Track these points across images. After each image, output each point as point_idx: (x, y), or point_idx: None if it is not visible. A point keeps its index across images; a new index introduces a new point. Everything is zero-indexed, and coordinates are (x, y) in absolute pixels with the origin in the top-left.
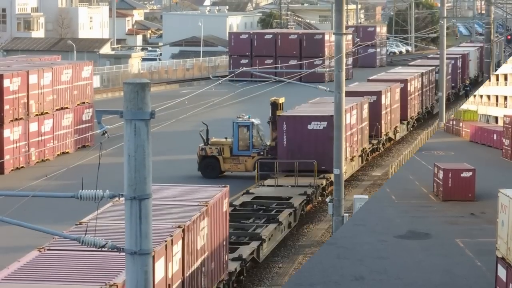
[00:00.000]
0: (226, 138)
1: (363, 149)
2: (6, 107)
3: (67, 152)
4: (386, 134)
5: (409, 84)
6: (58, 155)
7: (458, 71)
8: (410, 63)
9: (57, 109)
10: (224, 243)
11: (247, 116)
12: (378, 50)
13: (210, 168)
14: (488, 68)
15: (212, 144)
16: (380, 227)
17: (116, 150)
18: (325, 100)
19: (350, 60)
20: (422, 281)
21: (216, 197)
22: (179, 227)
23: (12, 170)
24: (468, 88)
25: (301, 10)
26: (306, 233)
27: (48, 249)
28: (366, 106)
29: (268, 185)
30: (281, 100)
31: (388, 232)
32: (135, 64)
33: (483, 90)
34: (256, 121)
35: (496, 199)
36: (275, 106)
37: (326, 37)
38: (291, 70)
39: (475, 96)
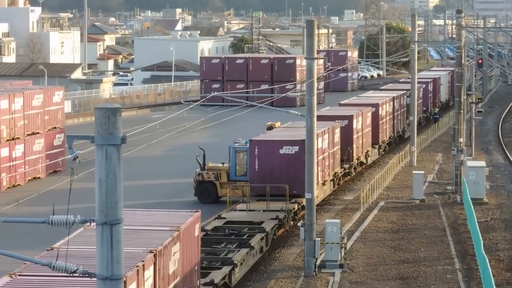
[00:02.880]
0: (223, 163)
1: (335, 173)
2: None
3: (39, 177)
4: (357, 158)
5: (380, 108)
6: (29, 180)
7: (430, 95)
8: (381, 87)
9: (28, 134)
10: (196, 268)
11: (244, 141)
12: (350, 74)
13: (206, 194)
14: (459, 92)
15: (209, 169)
16: None
17: (88, 175)
18: (297, 124)
19: (322, 84)
20: None
21: (187, 222)
22: (150, 252)
23: None
24: (437, 116)
25: (272, 35)
26: (278, 258)
27: (19, 275)
28: (338, 131)
29: (239, 210)
30: (277, 124)
31: None
32: (107, 89)
33: None
34: None
35: None
36: (271, 130)
37: (298, 61)
38: (263, 95)
39: None
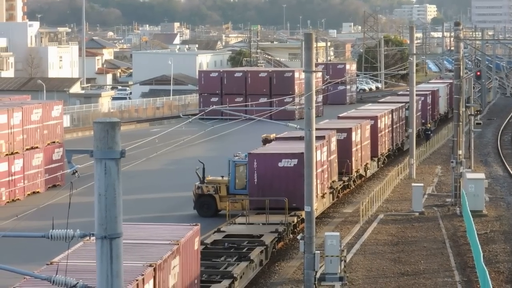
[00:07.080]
0: (222, 176)
1: (333, 181)
2: None
3: (38, 192)
4: (356, 171)
5: (379, 121)
6: (28, 194)
7: (428, 107)
8: (380, 100)
9: (27, 149)
10: (196, 282)
11: (244, 155)
12: (348, 87)
13: (206, 207)
14: (458, 104)
15: (208, 182)
16: None
17: (87, 189)
18: (294, 134)
19: (320, 97)
20: None
21: (187, 235)
22: (150, 266)
23: None
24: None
25: (270, 48)
26: (278, 271)
27: None
28: (334, 139)
29: (239, 223)
30: (272, 136)
31: None
32: (105, 103)
33: None
34: None
35: None
36: (266, 142)
37: (296, 74)
38: (261, 108)
39: None
